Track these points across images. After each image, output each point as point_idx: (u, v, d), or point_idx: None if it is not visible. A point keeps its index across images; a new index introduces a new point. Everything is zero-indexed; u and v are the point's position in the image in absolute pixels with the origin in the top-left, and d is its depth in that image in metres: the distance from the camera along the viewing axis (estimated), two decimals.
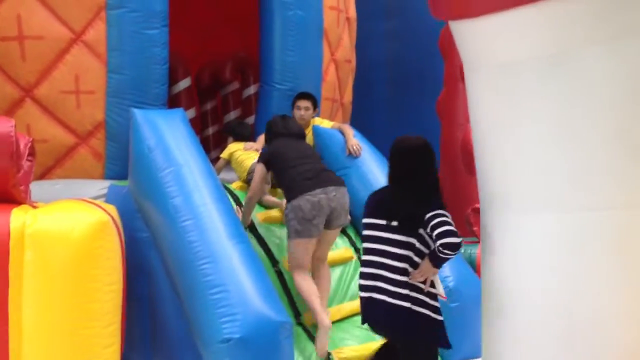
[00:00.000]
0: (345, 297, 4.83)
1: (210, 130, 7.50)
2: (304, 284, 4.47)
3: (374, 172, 5.28)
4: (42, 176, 5.01)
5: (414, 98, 8.13)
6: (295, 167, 4.56)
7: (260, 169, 4.72)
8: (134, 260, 4.32)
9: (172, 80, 6.83)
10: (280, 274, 4.75)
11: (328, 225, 4.53)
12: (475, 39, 3.09)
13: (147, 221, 4.49)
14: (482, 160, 3.20)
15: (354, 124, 7.18)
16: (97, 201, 4.08)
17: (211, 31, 7.42)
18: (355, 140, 5.40)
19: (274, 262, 4.79)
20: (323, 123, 5.72)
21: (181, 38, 6.73)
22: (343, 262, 4.97)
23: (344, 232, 5.19)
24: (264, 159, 4.73)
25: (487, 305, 3.14)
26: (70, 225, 3.37)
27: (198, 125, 7.41)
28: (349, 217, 4.75)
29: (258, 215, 5.02)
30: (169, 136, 4.65)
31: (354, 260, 5.04)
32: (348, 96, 6.70)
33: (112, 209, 4.14)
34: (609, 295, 2.74)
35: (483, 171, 3.20)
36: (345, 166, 5.31)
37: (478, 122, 3.23)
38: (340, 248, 5.07)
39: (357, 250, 5.11)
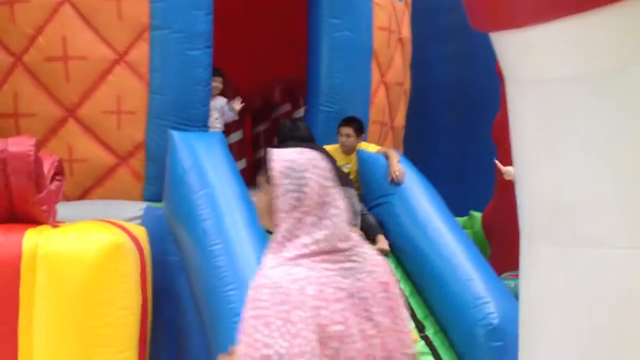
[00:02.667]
0: None
1: (262, 153, 7.42)
2: None
3: (418, 199, 5.04)
4: (82, 196, 5.02)
5: (475, 122, 7.81)
6: None
7: None
8: (163, 283, 4.24)
9: None
10: None
11: None
12: (519, 52, 2.84)
13: (179, 244, 4.41)
14: (522, 182, 2.94)
15: (412, 148, 6.96)
16: (123, 222, 4.02)
17: (262, 53, 7.37)
18: (399, 166, 5.16)
19: None
20: (369, 147, 5.53)
21: (231, 60, 6.71)
22: None
23: None
24: None
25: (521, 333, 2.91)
26: (83, 246, 3.31)
27: (250, 148, 7.35)
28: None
29: None
30: (205, 159, 4.58)
31: None
32: (400, 120, 6.48)
33: (140, 231, 4.08)
34: None
35: (522, 193, 2.95)
36: (387, 193, 5.09)
37: (519, 143, 2.98)
38: None
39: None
